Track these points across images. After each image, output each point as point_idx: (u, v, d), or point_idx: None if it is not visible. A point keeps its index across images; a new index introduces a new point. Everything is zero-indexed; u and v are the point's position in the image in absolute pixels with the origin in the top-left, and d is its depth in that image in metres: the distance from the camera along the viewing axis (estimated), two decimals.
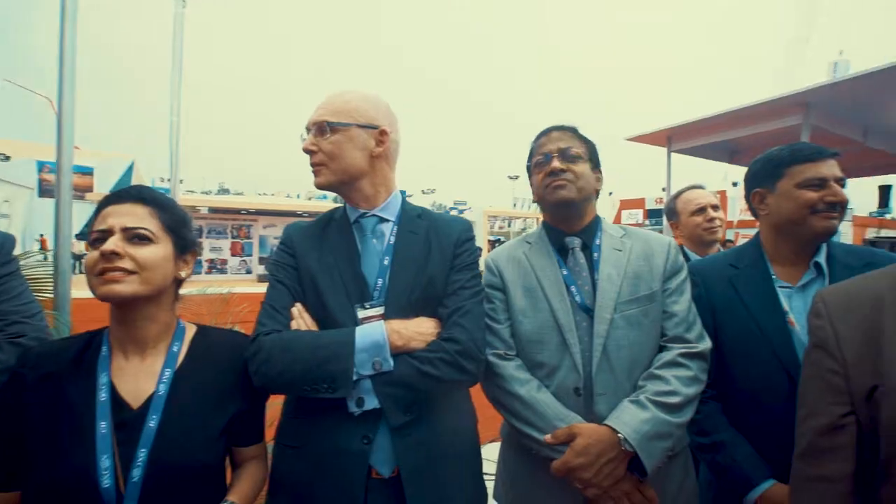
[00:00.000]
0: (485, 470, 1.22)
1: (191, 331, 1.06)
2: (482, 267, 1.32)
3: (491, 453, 1.37)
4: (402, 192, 1.27)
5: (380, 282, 1.11)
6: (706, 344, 1.19)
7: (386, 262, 1.13)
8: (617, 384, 1.14)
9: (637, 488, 1.07)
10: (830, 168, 1.22)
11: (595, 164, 1.29)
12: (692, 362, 1.14)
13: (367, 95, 1.17)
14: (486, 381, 1.24)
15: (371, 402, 1.01)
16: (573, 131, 1.30)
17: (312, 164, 1.14)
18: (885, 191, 8.59)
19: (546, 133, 1.31)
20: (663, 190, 7.90)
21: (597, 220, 1.31)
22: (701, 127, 5.28)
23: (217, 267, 11.42)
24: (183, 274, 1.03)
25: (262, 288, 1.19)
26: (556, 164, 1.24)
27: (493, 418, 1.31)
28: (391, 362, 1.01)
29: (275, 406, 1.16)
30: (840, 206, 1.22)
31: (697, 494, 1.24)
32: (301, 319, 1.08)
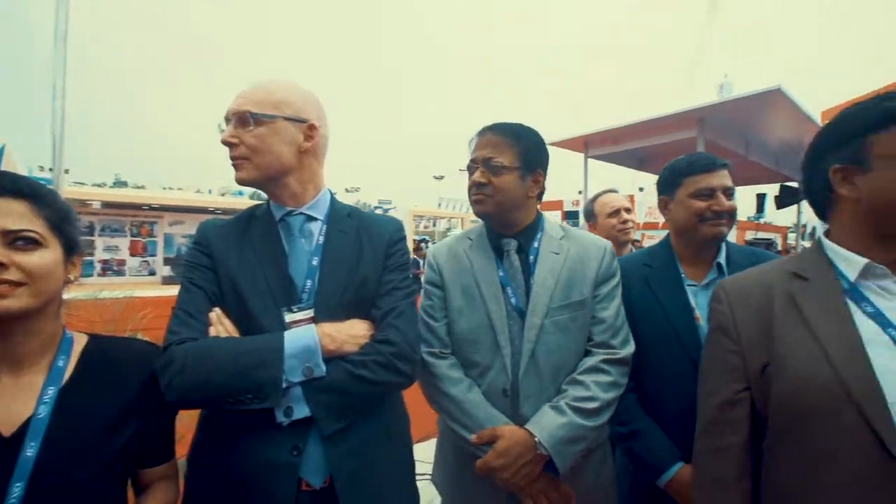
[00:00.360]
0: (417, 471, 1.20)
1: (81, 341, 0.92)
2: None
3: (422, 454, 1.35)
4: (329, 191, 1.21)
5: (308, 283, 1.04)
6: (629, 349, 1.24)
7: (315, 263, 1.06)
8: (542, 387, 1.18)
9: (552, 486, 1.13)
10: (720, 179, 1.34)
11: (529, 168, 1.25)
12: (613, 368, 1.19)
13: (294, 86, 1.09)
14: (422, 379, 1.24)
15: (301, 411, 0.94)
16: (506, 134, 1.25)
17: (233, 158, 1.04)
18: (760, 198, 9.97)
19: (481, 133, 1.28)
20: (580, 193, 8.41)
21: (537, 222, 1.31)
22: (614, 135, 5.70)
23: (113, 268, 10.25)
24: (71, 277, 0.89)
25: (169, 291, 1.08)
26: (477, 177, 1.23)
27: (426, 416, 1.30)
28: (323, 367, 0.95)
29: (185, 420, 1.05)
30: (727, 214, 1.34)
31: (614, 483, 1.31)
32: (220, 325, 0.99)
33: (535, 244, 1.28)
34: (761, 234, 11.49)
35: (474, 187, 1.25)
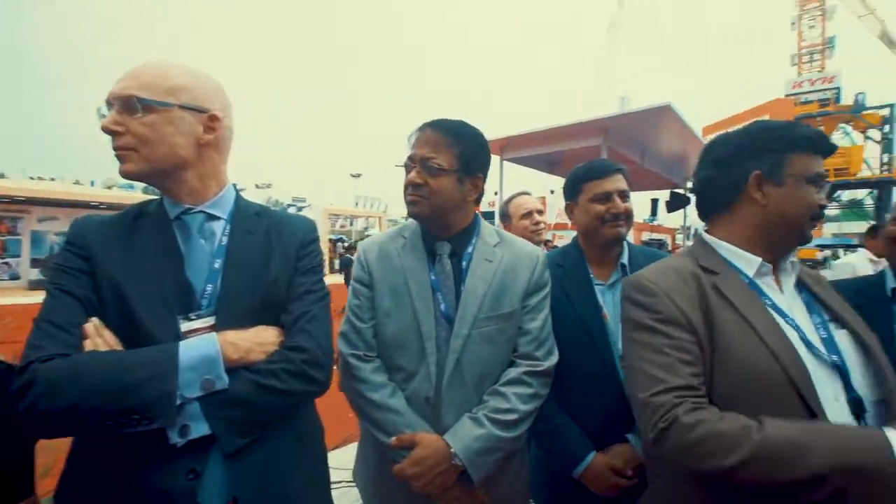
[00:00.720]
0: (334, 479, 1.15)
1: None
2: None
3: (338, 460, 1.30)
4: (235, 186, 1.10)
5: (209, 288, 0.94)
6: (552, 361, 1.25)
7: (217, 266, 0.96)
8: (465, 397, 1.17)
9: (467, 493, 1.13)
10: (615, 183, 1.44)
11: (468, 171, 1.21)
12: (535, 379, 1.20)
13: (194, 71, 0.98)
14: (343, 382, 1.21)
15: (199, 429, 0.85)
16: (447, 133, 1.20)
17: (117, 148, 0.91)
18: (654, 203, 11.16)
19: (422, 129, 1.23)
20: (495, 194, 8.70)
21: (473, 226, 1.29)
22: (528, 139, 5.96)
23: None
24: None
25: (37, 297, 0.91)
26: (413, 176, 1.20)
27: (343, 422, 1.25)
28: (226, 379, 0.86)
29: (57, 449, 0.89)
30: (624, 216, 1.44)
31: (529, 487, 1.34)
32: (99, 338, 0.85)
33: (469, 249, 1.26)
34: (655, 235, 12.81)
35: (410, 187, 1.21)
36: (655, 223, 13.66)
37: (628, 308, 0.98)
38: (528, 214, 2.43)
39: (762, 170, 0.95)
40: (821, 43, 26.74)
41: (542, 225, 2.44)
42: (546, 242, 2.80)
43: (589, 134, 5.41)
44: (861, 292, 1.27)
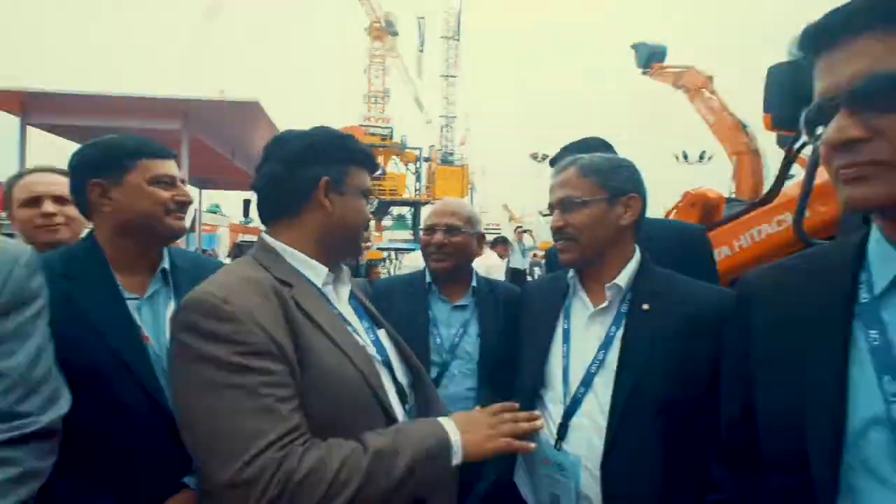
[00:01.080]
0: None
1: None
2: None
3: None
4: None
5: None
6: (56, 412, 0.86)
7: None
8: None
9: None
10: (175, 168, 1.25)
11: None
12: (20, 451, 0.78)
13: None
14: None
15: None
16: None
17: None
18: (246, 204, 11.16)
19: None
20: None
21: None
22: (72, 102, 4.41)
23: None
24: None
25: None
26: None
27: None
28: None
29: None
30: (186, 207, 1.26)
31: None
32: None
33: None
34: (248, 237, 12.86)
35: None
36: (251, 225, 13.81)
37: (195, 341, 0.78)
38: (35, 202, 1.66)
39: (329, 175, 0.95)
40: (382, 92, 34.27)
41: (59, 219, 1.69)
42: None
43: (163, 114, 4.56)
44: (410, 284, 1.66)
